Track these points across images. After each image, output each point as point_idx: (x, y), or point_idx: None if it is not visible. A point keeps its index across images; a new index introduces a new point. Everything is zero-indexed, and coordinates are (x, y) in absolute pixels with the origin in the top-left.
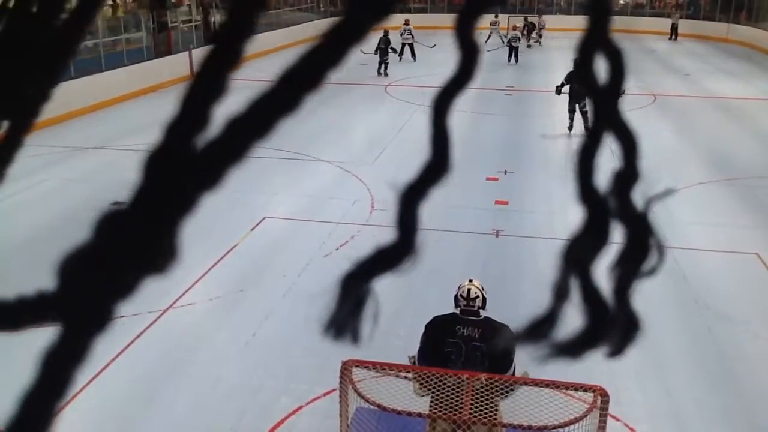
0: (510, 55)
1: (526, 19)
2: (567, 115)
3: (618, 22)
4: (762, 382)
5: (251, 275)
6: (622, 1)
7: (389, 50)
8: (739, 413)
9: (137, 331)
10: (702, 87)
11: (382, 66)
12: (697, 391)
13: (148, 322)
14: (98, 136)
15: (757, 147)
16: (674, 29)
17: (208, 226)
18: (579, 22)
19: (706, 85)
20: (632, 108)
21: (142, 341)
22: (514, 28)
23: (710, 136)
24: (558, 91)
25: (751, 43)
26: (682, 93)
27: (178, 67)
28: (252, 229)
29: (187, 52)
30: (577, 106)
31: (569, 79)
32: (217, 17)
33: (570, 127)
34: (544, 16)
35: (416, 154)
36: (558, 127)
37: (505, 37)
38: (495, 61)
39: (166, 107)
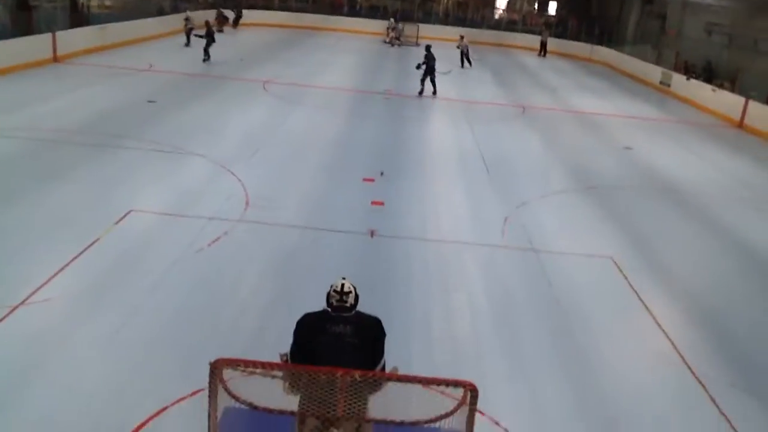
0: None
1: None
2: (421, 87)
3: (492, 35)
4: (615, 375)
5: (115, 270)
6: (497, 17)
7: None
8: (594, 405)
9: None
10: (567, 102)
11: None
12: (557, 387)
13: None
14: None
15: (612, 159)
16: (543, 46)
17: (67, 218)
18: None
19: (570, 100)
20: (503, 118)
21: None
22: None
23: (572, 147)
24: (418, 66)
25: (610, 64)
26: (548, 106)
27: (39, 49)
28: (116, 223)
29: (50, 34)
30: (428, 77)
31: (426, 59)
32: None
33: (421, 92)
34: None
35: (293, 154)
36: (433, 132)
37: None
38: (374, 65)
39: (22, 91)
